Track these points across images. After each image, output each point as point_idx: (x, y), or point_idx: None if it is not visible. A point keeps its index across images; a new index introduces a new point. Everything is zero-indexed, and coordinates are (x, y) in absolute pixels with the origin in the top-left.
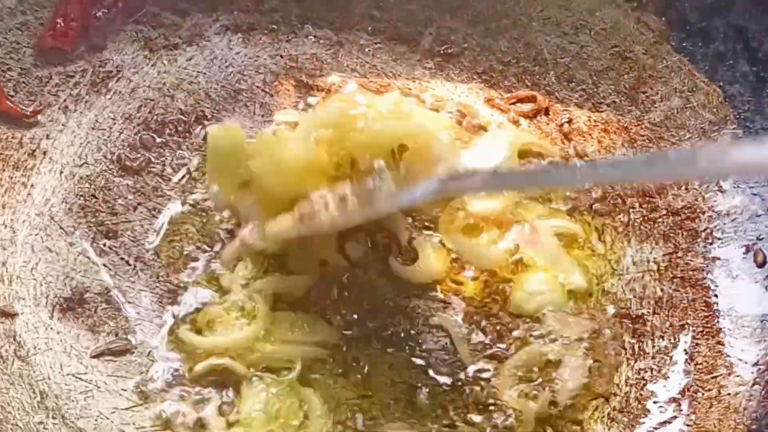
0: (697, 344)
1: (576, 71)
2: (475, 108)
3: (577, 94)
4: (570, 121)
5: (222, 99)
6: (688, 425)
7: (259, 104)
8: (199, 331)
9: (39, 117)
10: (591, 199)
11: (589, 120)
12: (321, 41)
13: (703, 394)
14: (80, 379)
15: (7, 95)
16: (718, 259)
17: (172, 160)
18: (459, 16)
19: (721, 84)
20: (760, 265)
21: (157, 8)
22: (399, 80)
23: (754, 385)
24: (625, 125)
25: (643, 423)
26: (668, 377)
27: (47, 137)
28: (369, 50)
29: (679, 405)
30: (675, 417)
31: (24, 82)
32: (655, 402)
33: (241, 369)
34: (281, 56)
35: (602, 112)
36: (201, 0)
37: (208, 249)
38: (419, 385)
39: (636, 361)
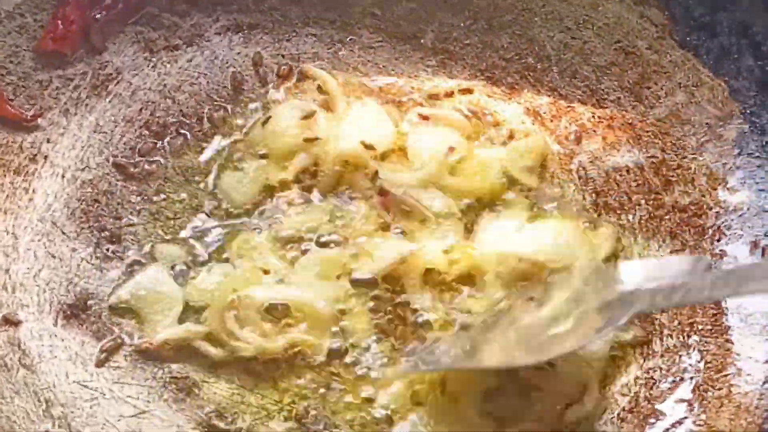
0: (706, 342)
1: (579, 67)
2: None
3: (580, 90)
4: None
5: (223, 100)
6: (699, 425)
7: (261, 104)
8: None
9: (39, 121)
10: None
11: (593, 116)
12: (322, 40)
13: (713, 393)
14: (86, 386)
15: (7, 99)
16: (726, 255)
17: (174, 163)
18: (460, 13)
19: (726, 79)
20: None
21: (156, 9)
22: (402, 78)
23: (765, 383)
24: (630, 121)
25: (654, 423)
26: (678, 376)
27: (48, 141)
28: (371, 49)
29: (690, 405)
30: (686, 417)
31: (24, 86)
32: (665, 402)
33: None
34: (282, 56)
35: (606, 108)
36: (200, 0)
37: None
38: None
39: (645, 361)
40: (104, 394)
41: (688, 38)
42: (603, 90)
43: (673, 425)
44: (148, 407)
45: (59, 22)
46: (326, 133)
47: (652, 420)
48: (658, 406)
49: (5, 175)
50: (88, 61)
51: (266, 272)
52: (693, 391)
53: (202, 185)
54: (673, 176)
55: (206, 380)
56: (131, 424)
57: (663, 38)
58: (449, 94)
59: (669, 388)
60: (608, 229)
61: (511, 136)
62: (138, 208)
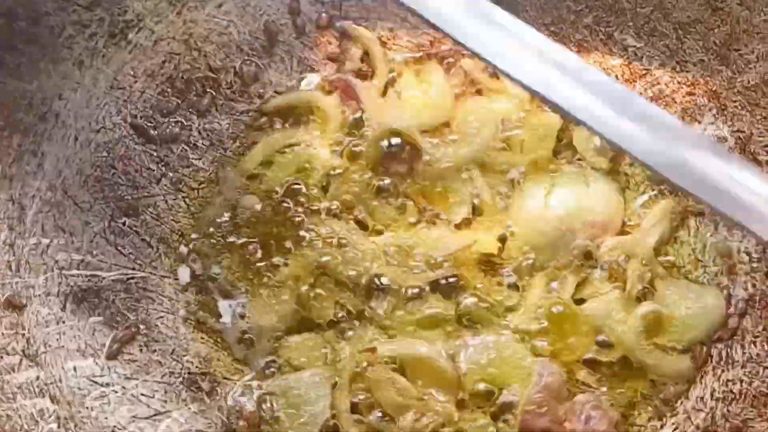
0: None
1: (658, 23)
2: None
3: (659, 50)
4: None
5: (255, 53)
6: None
7: (297, 59)
8: None
9: (51, 74)
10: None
11: (673, 81)
12: None
13: None
14: (95, 382)
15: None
16: None
17: (199, 125)
18: None
19: None
20: None
21: None
22: None
23: None
24: (714, 88)
25: None
26: (762, 392)
27: (60, 98)
28: None
29: None
30: None
31: (34, 33)
32: (747, 421)
33: None
34: (322, 3)
35: (688, 72)
36: None
37: None
38: None
39: (723, 372)
40: (116, 392)
41: None
42: (685, 51)
43: None
44: (165, 408)
45: None
46: (371, 108)
47: None
48: (739, 425)
49: (11, 136)
50: (106, 6)
51: None
52: None
53: (229, 152)
54: (761, 154)
55: (229, 377)
56: (145, 427)
57: None
58: None
59: (752, 404)
60: (666, 205)
61: None
62: (158, 176)
